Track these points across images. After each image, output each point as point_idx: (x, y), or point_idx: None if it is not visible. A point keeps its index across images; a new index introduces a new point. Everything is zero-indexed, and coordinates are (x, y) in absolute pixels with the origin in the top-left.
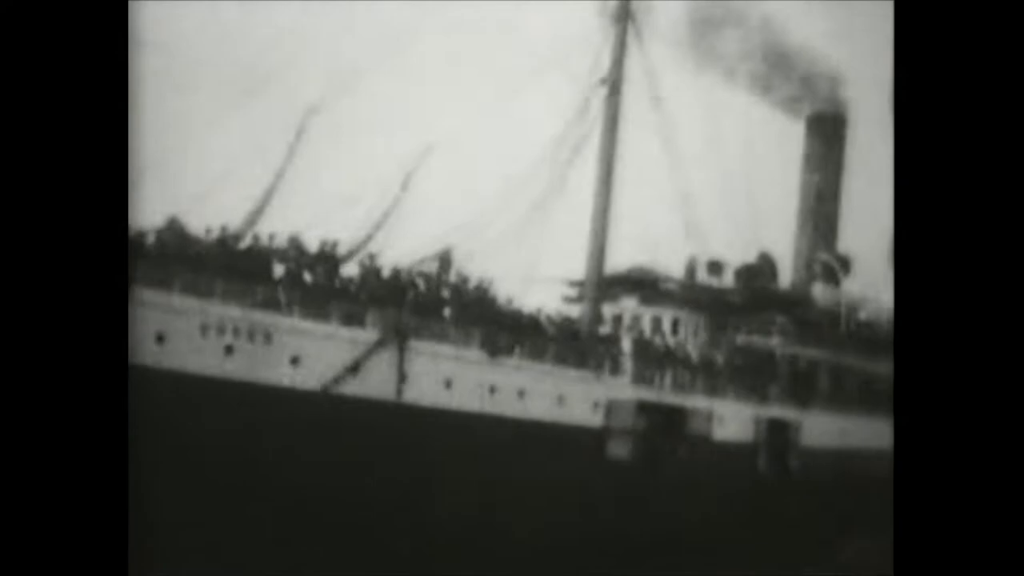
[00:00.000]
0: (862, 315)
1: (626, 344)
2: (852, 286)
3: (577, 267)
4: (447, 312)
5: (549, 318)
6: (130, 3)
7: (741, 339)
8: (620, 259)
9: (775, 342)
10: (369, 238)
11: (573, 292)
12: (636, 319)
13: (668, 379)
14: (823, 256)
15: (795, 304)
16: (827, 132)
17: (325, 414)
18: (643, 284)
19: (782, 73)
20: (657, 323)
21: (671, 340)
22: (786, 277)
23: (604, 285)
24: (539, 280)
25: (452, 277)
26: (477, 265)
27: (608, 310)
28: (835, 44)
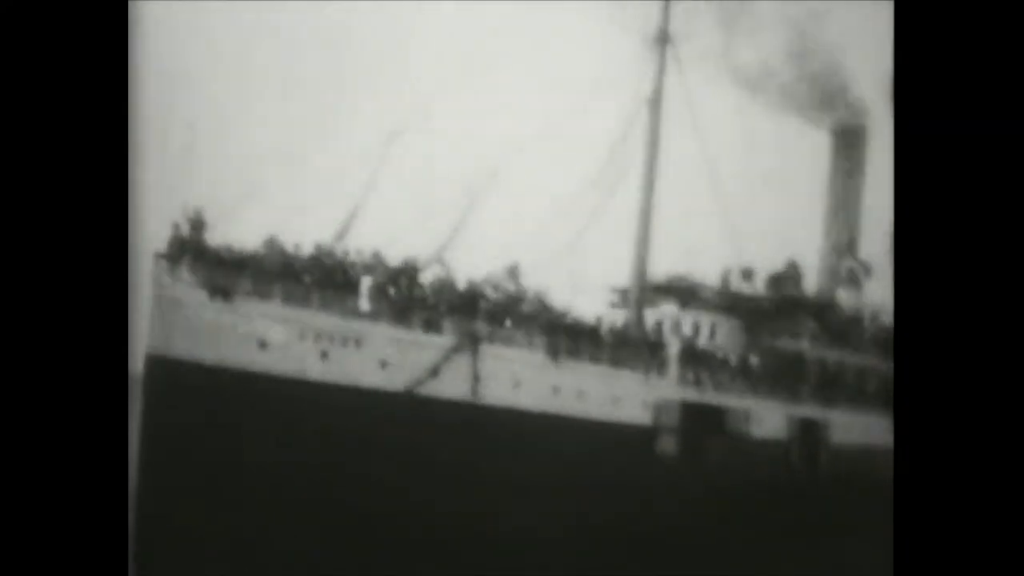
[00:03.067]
0: (884, 319)
1: (673, 348)
2: (874, 291)
3: (620, 275)
4: (514, 319)
5: (606, 325)
6: (130, 3)
7: (773, 343)
8: (660, 268)
9: (804, 345)
10: (441, 252)
11: (616, 298)
12: (677, 324)
13: (709, 381)
14: (847, 263)
15: (822, 309)
16: (850, 144)
17: (410, 412)
18: (682, 291)
19: (809, 87)
20: (697, 328)
21: (711, 344)
22: (812, 283)
23: (647, 292)
24: (588, 288)
25: (517, 288)
26: (535, 276)
27: (650, 316)
28: (860, 58)
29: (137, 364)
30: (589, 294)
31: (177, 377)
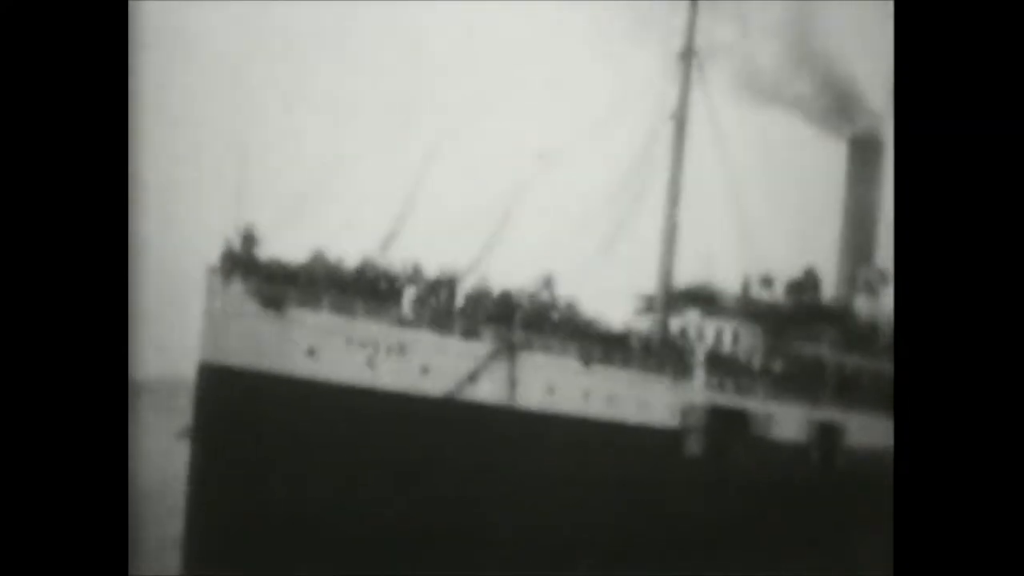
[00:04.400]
0: None
1: (698, 354)
2: (890, 298)
3: (645, 282)
4: (549, 327)
5: (634, 332)
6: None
7: (793, 348)
8: (682, 275)
9: (823, 351)
10: (477, 263)
11: (641, 305)
12: (700, 331)
13: (733, 385)
14: (864, 271)
15: (840, 316)
16: (866, 153)
17: (450, 415)
18: (704, 298)
19: (827, 99)
20: (720, 335)
21: (734, 350)
22: (829, 290)
23: (672, 300)
24: (614, 295)
25: (550, 298)
26: (566, 284)
27: (675, 322)
28: (874, 69)
29: (138, 370)
30: (615, 301)
31: (229, 384)
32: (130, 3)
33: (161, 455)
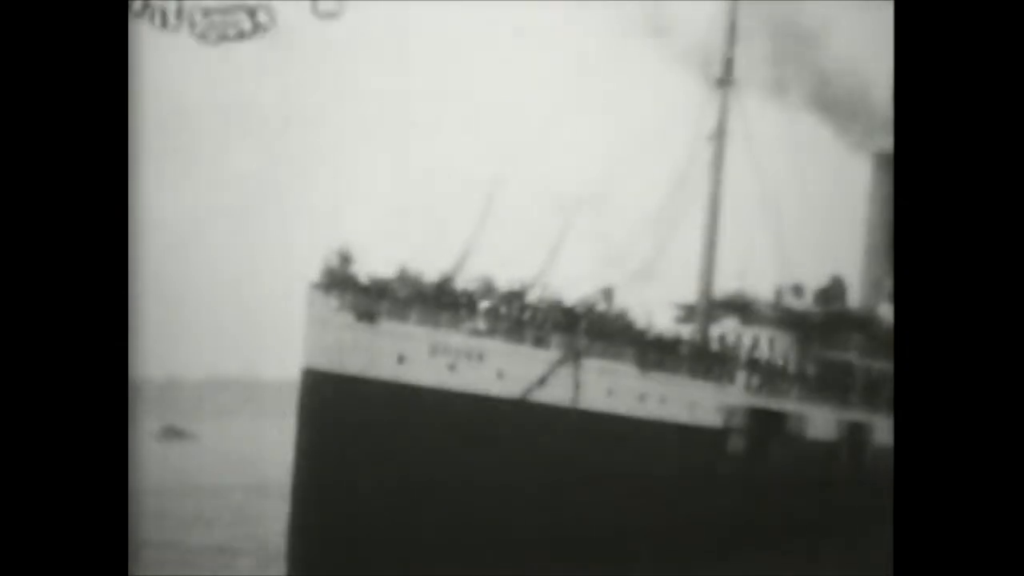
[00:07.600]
0: None
1: (741, 360)
2: None
3: (684, 292)
4: (608, 335)
5: (684, 339)
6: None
7: (824, 353)
8: (718, 285)
9: (852, 356)
10: (540, 277)
11: (681, 313)
12: (738, 337)
13: (770, 388)
14: (888, 279)
15: (867, 323)
16: (889, 167)
17: (522, 415)
18: (740, 307)
19: (854, 115)
20: (757, 342)
21: (770, 356)
22: (855, 297)
23: (711, 309)
24: (660, 305)
25: (608, 308)
26: (618, 295)
27: (713, 330)
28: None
29: (139, 371)
30: (660, 310)
31: (329, 387)
32: (130, 3)
33: (162, 455)
